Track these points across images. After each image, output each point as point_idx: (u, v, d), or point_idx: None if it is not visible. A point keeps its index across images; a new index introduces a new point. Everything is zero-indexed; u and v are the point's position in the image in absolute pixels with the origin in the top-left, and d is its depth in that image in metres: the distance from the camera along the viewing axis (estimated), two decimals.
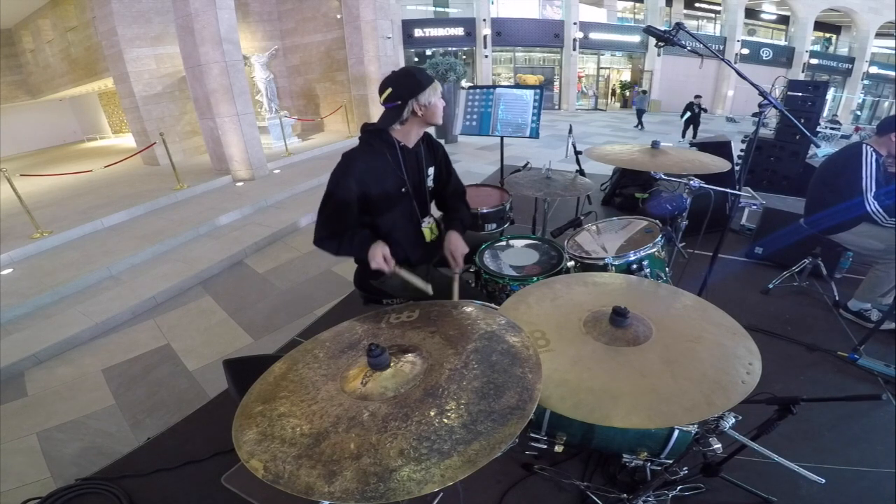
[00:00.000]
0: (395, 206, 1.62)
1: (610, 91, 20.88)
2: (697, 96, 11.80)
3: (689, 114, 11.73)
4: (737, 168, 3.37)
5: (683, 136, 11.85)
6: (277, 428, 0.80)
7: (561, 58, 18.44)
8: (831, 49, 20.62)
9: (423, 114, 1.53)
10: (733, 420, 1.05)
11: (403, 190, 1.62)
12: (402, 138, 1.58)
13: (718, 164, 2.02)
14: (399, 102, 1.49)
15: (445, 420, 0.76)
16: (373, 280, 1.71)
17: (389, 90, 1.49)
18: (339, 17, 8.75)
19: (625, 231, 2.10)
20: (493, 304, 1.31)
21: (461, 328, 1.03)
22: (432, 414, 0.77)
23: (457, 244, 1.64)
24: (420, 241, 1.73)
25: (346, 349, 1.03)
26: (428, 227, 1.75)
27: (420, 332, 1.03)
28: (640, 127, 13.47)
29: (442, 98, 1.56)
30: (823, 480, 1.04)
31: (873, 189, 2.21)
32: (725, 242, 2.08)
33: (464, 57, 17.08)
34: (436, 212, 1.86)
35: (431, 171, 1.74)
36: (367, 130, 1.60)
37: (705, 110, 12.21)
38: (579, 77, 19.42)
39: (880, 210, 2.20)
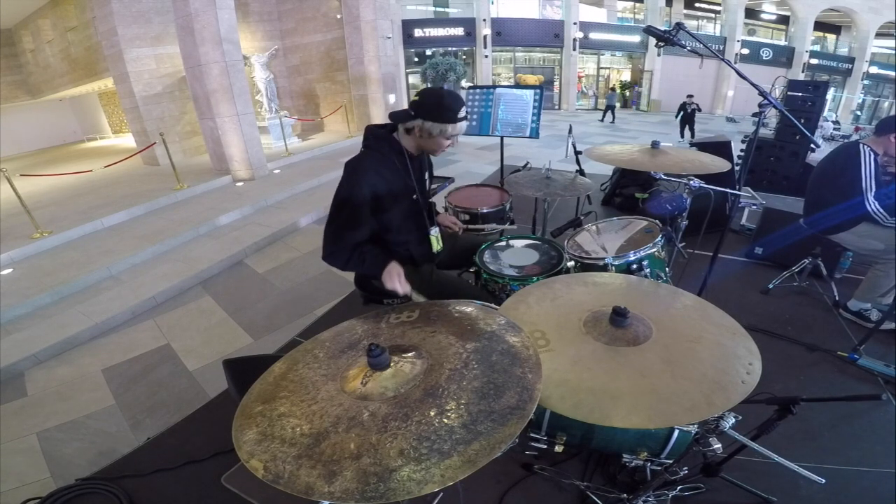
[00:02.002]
0: (403, 213, 1.61)
1: (610, 91, 20.88)
2: (689, 95, 11.76)
3: (682, 113, 11.73)
4: (737, 168, 3.37)
5: (682, 135, 11.87)
6: (277, 428, 0.80)
7: (561, 58, 18.44)
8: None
9: (422, 137, 1.50)
10: (733, 420, 1.05)
11: (414, 197, 1.62)
12: (407, 146, 1.56)
13: (718, 165, 2.02)
14: (412, 113, 1.47)
15: (445, 420, 0.76)
16: (374, 280, 1.71)
17: (416, 98, 1.48)
18: (339, 17, 8.75)
19: (625, 231, 2.10)
20: (493, 304, 1.31)
21: (461, 328, 1.03)
22: (432, 414, 0.77)
23: (446, 216, 1.95)
24: (427, 248, 1.73)
25: (346, 349, 1.03)
26: (434, 237, 1.74)
27: (420, 332, 1.03)
28: (604, 120, 14.97)
29: (452, 140, 1.52)
30: (823, 480, 1.04)
31: (874, 189, 2.21)
32: (725, 242, 2.08)
33: (464, 57, 17.08)
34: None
35: (426, 176, 1.75)
36: (374, 134, 1.58)
37: (699, 109, 12.10)
38: (579, 77, 19.42)
39: (881, 210, 2.20)
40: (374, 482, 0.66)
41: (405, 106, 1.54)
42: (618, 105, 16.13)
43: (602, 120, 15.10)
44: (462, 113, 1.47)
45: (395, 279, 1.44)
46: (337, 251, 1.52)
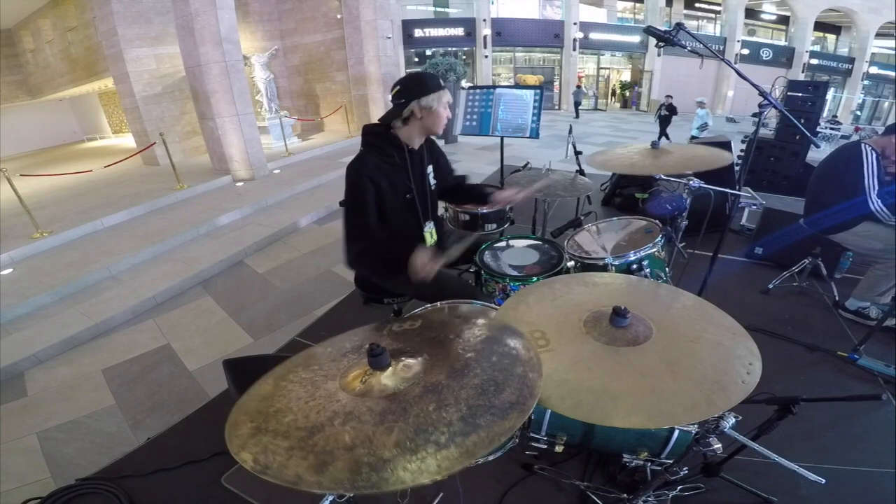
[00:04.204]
0: (400, 209, 1.62)
1: (610, 91, 20.90)
2: (668, 96, 10.92)
3: (659, 115, 10.93)
4: (737, 168, 3.37)
5: (659, 138, 11.16)
6: (272, 422, 0.80)
7: (561, 58, 18.45)
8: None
9: (424, 117, 1.53)
10: (733, 420, 1.05)
11: (409, 196, 1.63)
12: (406, 140, 1.58)
13: (717, 157, 1.96)
14: (403, 101, 1.50)
15: (444, 414, 0.75)
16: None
17: (398, 88, 1.52)
18: (339, 17, 8.75)
19: (625, 231, 2.10)
20: (493, 305, 1.31)
21: (461, 329, 1.03)
22: (431, 409, 0.77)
23: (504, 193, 1.82)
24: (422, 243, 1.74)
25: (347, 353, 1.03)
26: (429, 232, 1.75)
27: (421, 336, 1.03)
28: (576, 116, 16.00)
29: (448, 109, 1.57)
30: (823, 480, 1.04)
31: (877, 188, 2.22)
32: (725, 242, 2.08)
33: (464, 57, 17.08)
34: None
35: (430, 168, 1.74)
36: (373, 132, 1.59)
37: (673, 111, 10.63)
38: (579, 77, 19.44)
39: (884, 208, 2.21)
40: (366, 472, 0.65)
41: None
42: (582, 102, 17.38)
43: (577, 116, 15.93)
44: (442, 82, 1.56)
45: (420, 263, 1.40)
46: (361, 255, 1.57)
